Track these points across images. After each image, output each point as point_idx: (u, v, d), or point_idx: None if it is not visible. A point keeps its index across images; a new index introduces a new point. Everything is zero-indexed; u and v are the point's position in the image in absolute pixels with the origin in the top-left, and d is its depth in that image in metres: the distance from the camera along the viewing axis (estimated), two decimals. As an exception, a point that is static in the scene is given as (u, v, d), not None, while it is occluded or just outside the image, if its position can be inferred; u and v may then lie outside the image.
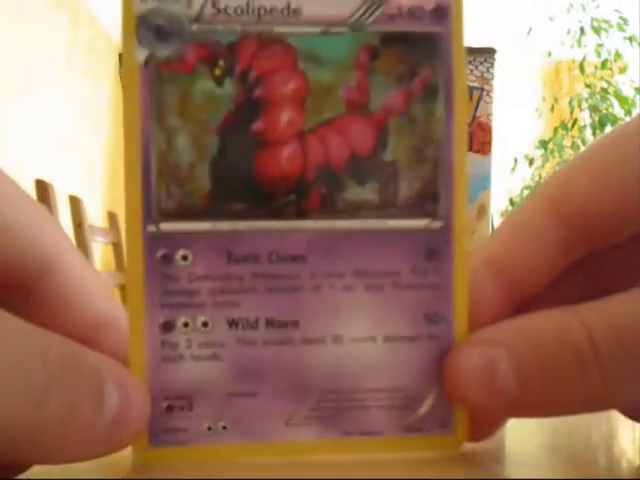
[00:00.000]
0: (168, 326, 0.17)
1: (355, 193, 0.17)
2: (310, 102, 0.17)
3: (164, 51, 0.16)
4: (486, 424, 0.19)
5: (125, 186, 0.16)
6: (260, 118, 0.17)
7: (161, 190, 0.16)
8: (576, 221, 0.18)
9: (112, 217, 1.77)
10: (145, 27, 0.16)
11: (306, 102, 0.17)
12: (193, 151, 0.16)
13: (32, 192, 1.32)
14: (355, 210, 0.17)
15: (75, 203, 1.49)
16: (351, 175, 0.17)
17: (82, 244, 1.45)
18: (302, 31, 0.16)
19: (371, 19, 0.17)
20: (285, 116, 0.17)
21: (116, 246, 1.72)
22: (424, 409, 0.17)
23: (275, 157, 0.17)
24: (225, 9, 0.16)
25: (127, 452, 0.17)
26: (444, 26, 0.17)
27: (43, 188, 1.33)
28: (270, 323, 0.17)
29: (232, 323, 0.17)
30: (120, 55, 0.36)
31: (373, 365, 0.17)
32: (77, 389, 0.14)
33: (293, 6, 0.16)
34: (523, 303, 0.18)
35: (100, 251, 2.43)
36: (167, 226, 0.17)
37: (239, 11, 0.16)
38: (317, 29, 0.17)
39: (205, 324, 0.17)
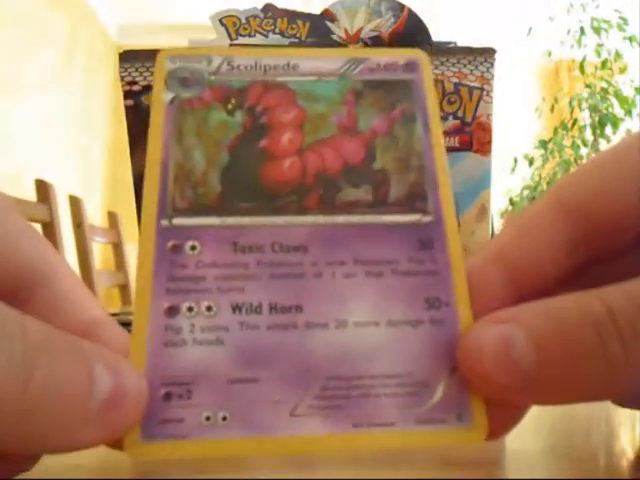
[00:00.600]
0: (173, 311, 0.17)
1: (351, 193, 0.19)
2: (307, 126, 0.20)
3: (186, 94, 0.20)
4: (503, 415, 0.18)
5: (144, 189, 0.18)
6: (265, 138, 0.20)
7: (176, 192, 0.19)
8: (581, 223, 0.18)
9: (112, 217, 1.77)
10: (172, 78, 0.20)
11: (304, 127, 0.20)
12: (206, 162, 0.19)
13: (32, 192, 1.32)
14: (352, 207, 0.19)
15: (75, 203, 1.49)
16: (346, 180, 0.19)
17: (82, 244, 1.45)
18: (300, 79, 0.21)
19: (355, 72, 0.21)
20: (286, 137, 0.20)
21: (116, 246, 1.72)
22: (436, 398, 0.17)
23: (278, 166, 0.19)
24: (238, 66, 0.21)
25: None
26: (416, 74, 0.21)
27: (43, 188, 1.33)
28: (273, 308, 0.17)
29: (236, 307, 0.17)
30: (120, 55, 0.37)
31: (378, 349, 0.17)
32: (62, 368, 0.14)
33: (292, 63, 0.21)
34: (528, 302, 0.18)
35: (100, 251, 2.43)
36: (179, 221, 0.18)
37: (249, 67, 0.21)
38: (313, 78, 0.21)
39: (209, 308, 0.17)
